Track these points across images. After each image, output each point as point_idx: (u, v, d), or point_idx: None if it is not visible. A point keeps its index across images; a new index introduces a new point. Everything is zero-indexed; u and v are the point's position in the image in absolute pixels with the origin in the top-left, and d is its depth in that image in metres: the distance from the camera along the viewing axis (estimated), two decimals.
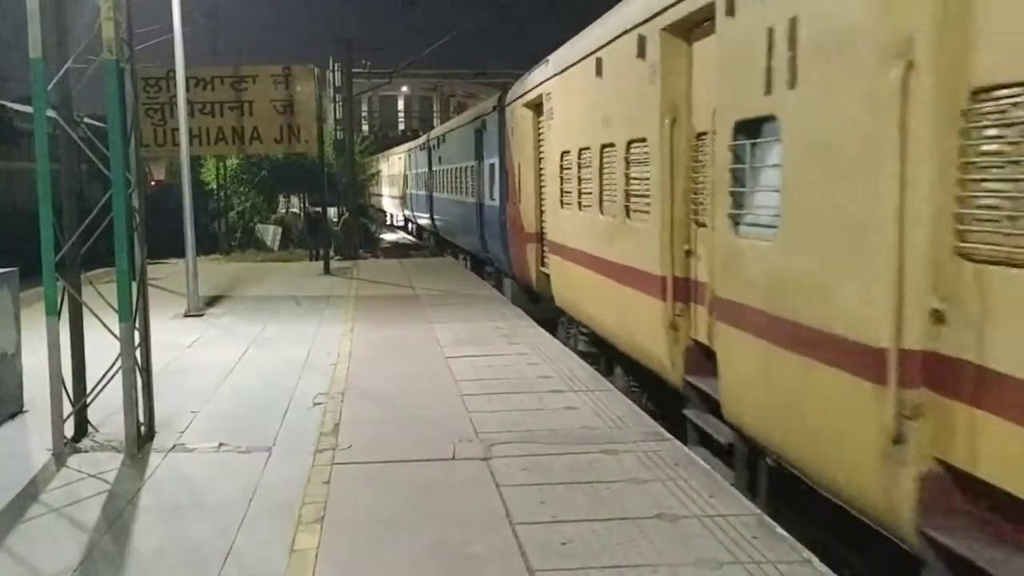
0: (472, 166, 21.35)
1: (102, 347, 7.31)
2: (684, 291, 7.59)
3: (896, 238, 4.32)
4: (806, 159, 5.26)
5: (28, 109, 8.62)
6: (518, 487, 6.01)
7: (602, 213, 9.83)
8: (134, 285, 7.14)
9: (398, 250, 33.54)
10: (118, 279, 7.02)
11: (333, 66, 29.29)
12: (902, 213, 4.30)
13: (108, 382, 7.30)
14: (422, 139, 35.76)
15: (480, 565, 4.87)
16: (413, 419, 7.82)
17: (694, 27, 7.24)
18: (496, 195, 18.04)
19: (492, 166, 18.54)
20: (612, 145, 9.32)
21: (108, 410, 7.36)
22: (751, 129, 6.03)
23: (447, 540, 5.19)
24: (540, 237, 14.10)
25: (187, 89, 15.78)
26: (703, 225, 7.25)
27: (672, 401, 8.12)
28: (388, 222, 53.33)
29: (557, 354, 10.50)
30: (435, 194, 29.85)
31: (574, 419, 7.66)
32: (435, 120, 65.75)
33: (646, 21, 7.97)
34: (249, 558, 5.07)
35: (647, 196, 8.18)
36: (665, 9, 7.51)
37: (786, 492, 5.95)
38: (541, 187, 13.93)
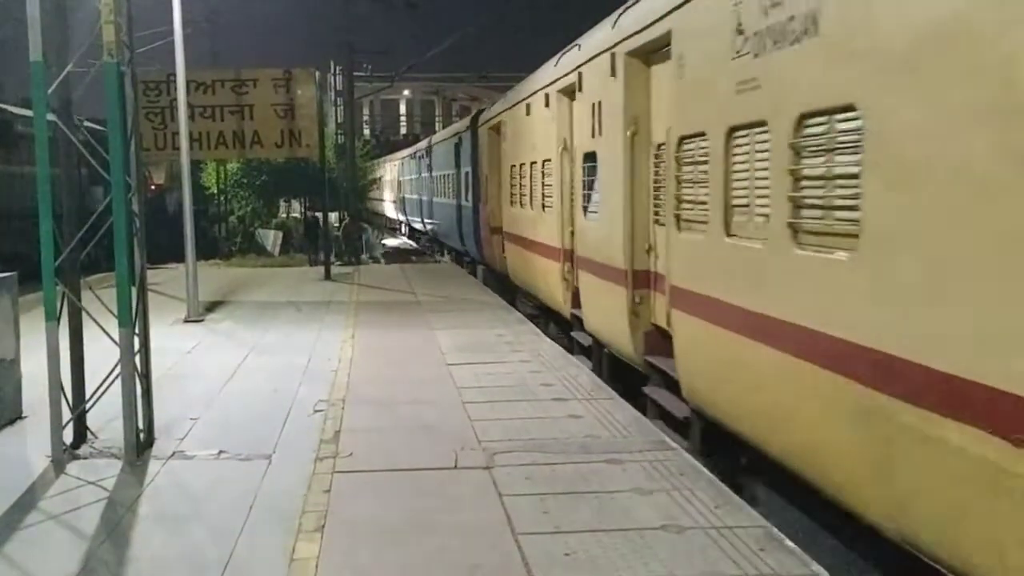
0: (452, 173, 25.30)
1: (102, 353, 7.25)
2: (570, 257, 11.79)
3: (630, 214, 8.71)
4: (604, 175, 9.64)
5: (28, 113, 8.58)
6: (521, 496, 5.94)
7: (531, 208, 14.28)
8: (134, 290, 7.08)
9: (399, 255, 33.49)
10: (118, 284, 6.97)
11: (334, 69, 29.28)
12: (632, 202, 8.69)
13: (107, 388, 7.23)
14: (413, 148, 39.80)
15: None
16: (415, 427, 7.76)
17: (572, 93, 11.31)
18: (470, 198, 21.88)
19: (467, 174, 22.34)
20: (535, 162, 13.77)
21: (107, 416, 7.30)
22: (589, 157, 10.34)
23: (449, 550, 5.13)
24: (501, 230, 17.86)
25: (187, 93, 15.71)
26: None
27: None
28: (385, 225, 53.28)
29: (560, 362, 10.44)
30: (423, 197, 33.74)
31: (578, 428, 7.60)
32: (437, 124, 65.79)
33: (548, 85, 12.57)
34: (249, 567, 5.01)
35: (552, 197, 12.66)
36: (558, 79, 12.00)
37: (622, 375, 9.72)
38: (500, 191, 17.70)
